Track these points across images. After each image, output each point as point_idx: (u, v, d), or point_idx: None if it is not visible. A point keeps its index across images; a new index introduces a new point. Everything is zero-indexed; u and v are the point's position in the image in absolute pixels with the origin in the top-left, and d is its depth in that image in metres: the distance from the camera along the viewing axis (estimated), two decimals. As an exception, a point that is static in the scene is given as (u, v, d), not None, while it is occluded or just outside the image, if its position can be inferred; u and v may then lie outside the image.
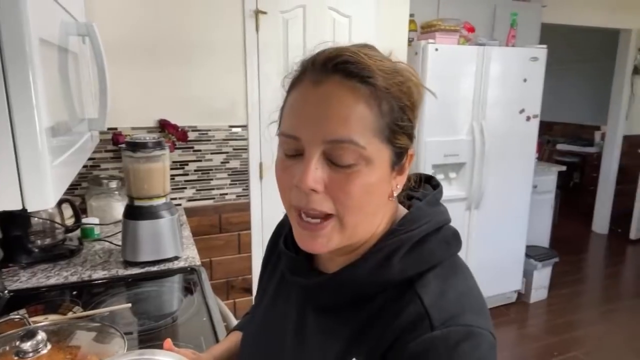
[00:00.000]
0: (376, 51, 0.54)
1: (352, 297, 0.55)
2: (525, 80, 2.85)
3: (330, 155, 0.50)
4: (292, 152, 0.52)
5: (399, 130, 0.52)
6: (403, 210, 0.59)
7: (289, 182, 0.52)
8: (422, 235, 0.54)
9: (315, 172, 0.49)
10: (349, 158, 0.49)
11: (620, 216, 4.76)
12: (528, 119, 2.93)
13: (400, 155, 0.54)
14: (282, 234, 0.68)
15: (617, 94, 4.57)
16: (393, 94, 0.51)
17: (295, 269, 0.61)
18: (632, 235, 4.53)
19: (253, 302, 0.83)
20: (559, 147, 5.78)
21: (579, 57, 5.85)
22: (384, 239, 0.55)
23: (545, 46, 2.88)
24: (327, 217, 0.51)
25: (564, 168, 3.80)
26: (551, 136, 6.10)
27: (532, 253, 3.25)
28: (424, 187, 0.62)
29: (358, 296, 0.55)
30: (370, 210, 0.53)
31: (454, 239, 0.57)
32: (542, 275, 3.27)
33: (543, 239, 3.64)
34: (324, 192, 0.50)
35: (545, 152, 5.47)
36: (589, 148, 5.48)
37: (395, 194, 0.55)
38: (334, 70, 0.50)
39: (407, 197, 0.61)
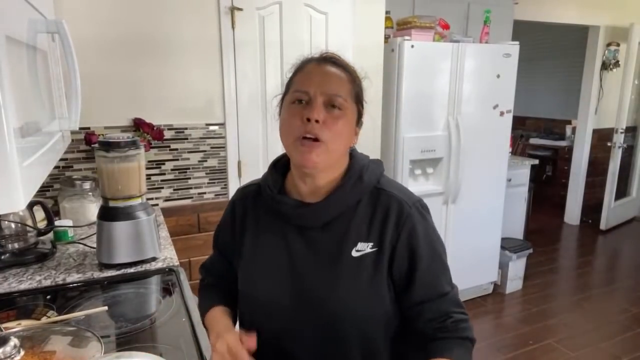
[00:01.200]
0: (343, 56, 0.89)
1: (344, 209, 0.85)
2: (498, 76, 2.91)
3: (327, 102, 0.80)
4: (302, 102, 0.81)
5: (360, 101, 0.87)
6: None
7: (297, 121, 0.80)
8: (367, 162, 0.90)
9: (320, 112, 0.79)
10: (336, 106, 0.81)
11: (591, 207, 4.92)
12: (502, 114, 2.99)
13: (359, 116, 0.87)
14: (247, 199, 0.96)
15: (586, 89, 4.72)
16: (357, 81, 0.87)
17: (295, 205, 0.87)
18: (602, 225, 4.69)
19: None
20: (532, 141, 5.93)
21: (550, 53, 6.01)
22: (351, 169, 0.88)
23: (517, 43, 2.95)
24: (318, 140, 0.79)
25: (536, 162, 3.90)
26: (524, 131, 6.25)
27: (507, 245, 3.33)
28: None
29: (348, 207, 0.86)
30: (344, 143, 0.84)
31: (380, 162, 0.94)
32: (517, 267, 3.36)
33: (517, 231, 3.74)
34: (322, 125, 0.79)
35: (519, 147, 5.60)
36: (561, 142, 5.63)
37: (356, 140, 0.89)
38: (326, 60, 0.85)
39: None
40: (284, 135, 0.84)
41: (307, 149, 0.79)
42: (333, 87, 0.81)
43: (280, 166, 0.92)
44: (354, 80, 0.85)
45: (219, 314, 0.93)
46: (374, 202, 0.86)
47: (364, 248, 0.83)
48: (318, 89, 0.80)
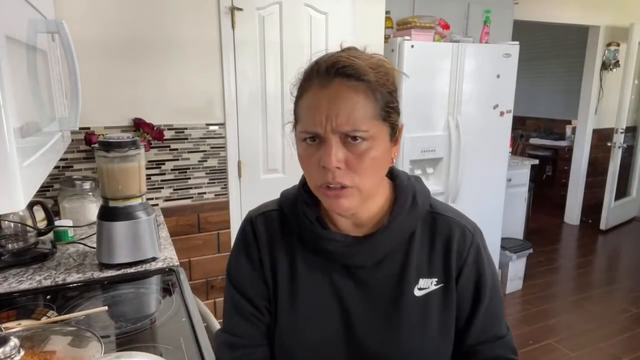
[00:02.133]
0: (359, 51, 0.68)
1: (398, 242, 0.73)
2: (498, 76, 2.91)
3: (345, 138, 0.63)
4: (314, 141, 0.65)
5: (391, 110, 0.67)
6: None
7: (313, 167, 0.65)
8: (413, 182, 0.77)
9: (337, 154, 0.63)
10: (357, 141, 0.63)
11: (591, 207, 4.92)
12: (502, 114, 2.99)
13: (394, 129, 0.69)
14: (270, 231, 0.78)
15: (586, 89, 4.71)
16: (382, 84, 0.65)
17: (342, 242, 0.72)
18: (602, 225, 4.69)
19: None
20: (532, 141, 5.92)
21: (550, 53, 6.01)
22: (401, 192, 0.74)
23: (517, 43, 2.95)
24: (345, 187, 0.65)
25: (536, 162, 3.90)
26: (524, 131, 6.25)
27: (507, 245, 3.33)
28: None
29: (404, 238, 0.73)
30: (378, 175, 0.69)
31: (421, 179, 0.81)
32: (517, 266, 3.36)
33: (517, 231, 3.73)
34: (345, 168, 0.64)
35: (519, 147, 5.60)
36: (561, 142, 5.63)
37: (394, 159, 0.71)
38: (336, 74, 0.63)
39: None
40: (306, 177, 0.71)
41: (334, 196, 0.66)
42: (347, 118, 0.62)
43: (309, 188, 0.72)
44: (376, 90, 0.64)
45: None
46: (431, 229, 0.74)
47: (427, 285, 0.72)
48: (329, 125, 0.62)
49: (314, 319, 0.73)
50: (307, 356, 0.73)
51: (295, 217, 0.76)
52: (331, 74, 0.64)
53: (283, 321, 0.75)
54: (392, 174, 0.77)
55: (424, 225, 0.74)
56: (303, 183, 0.76)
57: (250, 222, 0.80)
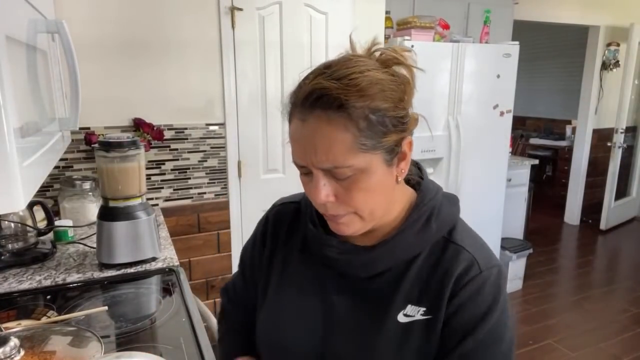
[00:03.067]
0: (352, 65, 0.59)
1: (398, 261, 0.67)
2: (498, 76, 2.91)
3: (329, 173, 0.60)
4: (305, 172, 0.62)
5: (384, 133, 0.59)
6: (410, 187, 0.71)
7: (309, 193, 0.63)
8: (440, 200, 0.69)
9: (324, 188, 0.60)
10: (343, 175, 0.59)
11: (591, 207, 4.92)
12: (502, 114, 2.99)
13: (392, 150, 0.61)
14: (286, 220, 0.78)
15: (586, 89, 4.71)
16: (370, 107, 0.57)
17: (342, 250, 0.69)
18: (602, 225, 4.69)
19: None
20: (532, 141, 5.93)
21: (550, 53, 6.01)
22: (416, 209, 0.67)
23: (517, 43, 2.95)
24: (343, 214, 0.62)
25: (536, 162, 3.90)
26: (524, 131, 6.25)
27: (507, 245, 3.33)
28: (411, 169, 0.73)
29: (404, 259, 0.67)
30: (380, 200, 0.63)
31: (456, 200, 0.73)
32: (517, 266, 3.36)
33: (517, 231, 3.73)
34: (335, 201, 0.61)
35: (519, 147, 5.60)
36: (561, 142, 5.63)
37: (400, 178, 0.65)
38: (313, 105, 0.57)
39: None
40: None
41: (335, 222, 0.64)
42: (325, 156, 0.57)
43: None
44: (360, 118, 0.56)
45: None
46: (438, 256, 0.66)
47: (414, 313, 0.65)
48: (311, 162, 0.59)
49: (297, 318, 0.72)
50: (285, 353, 0.73)
51: (305, 215, 0.75)
52: (307, 106, 0.58)
53: (268, 314, 0.75)
54: (419, 184, 0.70)
55: (433, 251, 0.66)
56: None
57: (270, 210, 0.83)
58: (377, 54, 0.64)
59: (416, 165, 0.75)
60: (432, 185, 0.71)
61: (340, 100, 0.56)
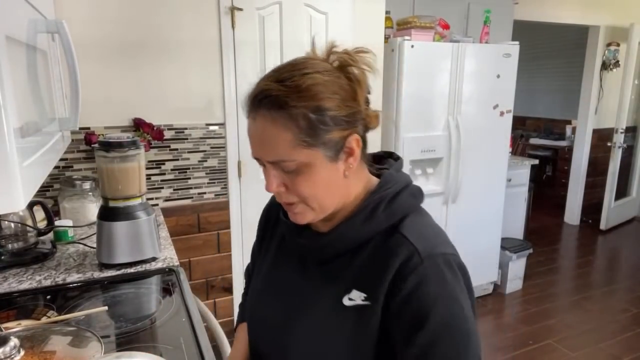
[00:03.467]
0: (296, 68, 0.65)
1: (347, 248, 0.70)
2: (498, 76, 2.91)
3: (277, 166, 0.66)
4: (261, 163, 0.68)
5: (325, 131, 0.63)
6: (375, 179, 0.74)
7: (266, 187, 0.69)
8: (396, 192, 0.71)
9: (275, 179, 0.67)
10: (288, 167, 0.65)
11: (591, 207, 4.92)
12: (502, 114, 2.99)
13: (337, 147, 0.65)
14: (274, 212, 0.85)
15: (586, 89, 4.71)
16: (309, 107, 0.62)
17: (298, 234, 0.76)
18: (602, 225, 4.69)
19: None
20: (532, 141, 5.92)
21: (550, 53, 6.01)
22: (366, 198, 0.70)
23: (517, 43, 2.95)
24: (294, 203, 0.68)
25: (536, 162, 3.90)
26: (524, 131, 6.25)
27: (507, 245, 3.33)
28: (387, 162, 0.78)
29: (352, 246, 0.70)
30: (327, 193, 0.68)
31: (419, 193, 0.74)
32: (517, 267, 3.36)
33: (517, 231, 3.73)
34: (286, 189, 0.67)
35: (519, 147, 5.60)
36: (561, 142, 5.63)
37: (347, 173, 0.68)
38: (259, 105, 0.64)
39: (377, 169, 0.77)
40: None
41: (290, 211, 0.70)
42: (270, 151, 0.64)
43: None
44: (299, 117, 0.62)
45: (240, 335, 0.90)
46: (383, 245, 0.68)
47: (356, 298, 0.68)
48: (260, 156, 0.66)
49: (267, 296, 0.82)
50: (253, 323, 0.83)
51: None
52: (255, 105, 0.65)
53: (250, 292, 0.87)
54: (383, 175, 0.73)
55: (381, 240, 0.68)
56: None
57: (270, 200, 0.91)
58: (334, 56, 0.69)
59: (392, 157, 0.80)
60: (394, 177, 0.73)
61: (281, 101, 0.62)
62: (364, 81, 0.68)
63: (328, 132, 0.64)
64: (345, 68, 0.67)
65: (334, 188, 0.68)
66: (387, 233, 0.69)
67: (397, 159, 0.79)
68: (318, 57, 0.70)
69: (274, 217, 0.86)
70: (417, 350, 0.62)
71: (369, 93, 0.70)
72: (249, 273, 0.98)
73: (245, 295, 0.99)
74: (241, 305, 1.00)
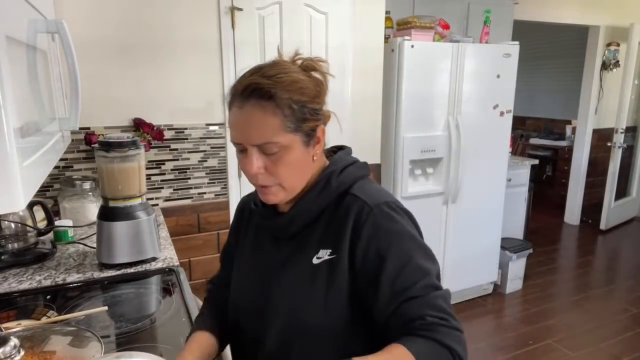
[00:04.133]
0: (281, 66, 0.77)
1: (309, 219, 0.82)
2: (498, 76, 2.91)
3: (260, 149, 0.75)
4: (240, 149, 0.78)
5: (303, 120, 0.76)
6: (327, 161, 0.87)
7: (244, 169, 0.78)
8: (344, 166, 0.84)
9: (257, 162, 0.76)
10: (271, 150, 0.75)
11: (591, 207, 4.92)
12: (502, 114, 2.99)
13: (310, 134, 0.78)
14: (246, 209, 0.96)
15: (586, 89, 4.71)
16: (293, 99, 0.74)
17: (267, 217, 0.88)
18: (602, 225, 4.69)
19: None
20: (532, 141, 5.92)
21: (550, 53, 6.01)
22: (321, 174, 0.83)
23: (517, 43, 2.94)
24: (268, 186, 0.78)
25: (536, 162, 3.90)
26: (524, 131, 6.25)
27: (507, 245, 3.33)
28: (339, 152, 0.91)
29: (313, 216, 0.82)
30: (299, 174, 0.80)
31: (365, 166, 0.88)
32: (517, 266, 3.36)
33: (517, 231, 3.73)
34: (265, 172, 0.77)
35: (519, 147, 5.60)
36: (561, 142, 5.63)
37: (315, 158, 0.81)
38: (249, 96, 0.74)
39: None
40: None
41: (263, 192, 0.80)
42: (258, 135, 0.74)
43: None
44: (285, 106, 0.74)
45: (196, 338, 0.89)
46: (338, 206, 0.81)
47: (323, 255, 0.79)
48: (246, 140, 0.75)
49: (246, 279, 0.90)
50: (235, 308, 0.91)
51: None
52: (245, 95, 0.74)
53: (232, 281, 0.94)
54: (331, 158, 0.86)
55: (335, 204, 0.81)
56: None
57: (239, 203, 1.02)
58: (299, 61, 0.81)
59: (342, 149, 0.92)
60: (342, 157, 0.87)
61: (270, 92, 0.73)
62: (326, 84, 0.82)
63: (305, 121, 0.76)
64: (309, 71, 0.80)
65: (304, 170, 0.81)
66: (339, 197, 0.82)
67: (341, 147, 0.92)
68: (287, 61, 0.81)
69: (247, 212, 0.96)
70: (389, 276, 0.74)
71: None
72: (224, 258, 1.03)
73: (201, 312, 1.00)
74: (200, 315, 0.99)
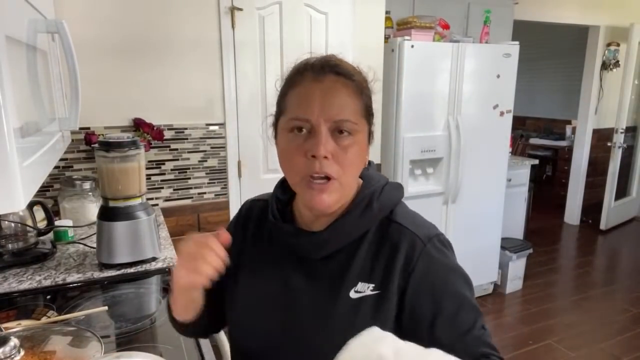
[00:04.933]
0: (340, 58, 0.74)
1: (346, 242, 0.73)
2: (498, 76, 2.91)
3: (334, 129, 0.67)
4: (302, 126, 0.68)
5: (371, 111, 0.73)
6: (359, 179, 0.78)
7: (300, 157, 0.68)
8: (381, 186, 0.76)
9: (327, 144, 0.66)
10: (347, 128, 0.67)
11: (591, 207, 4.92)
12: (502, 114, 2.99)
13: (370, 132, 0.74)
14: (253, 218, 0.85)
15: (586, 89, 4.71)
16: (365, 87, 0.72)
17: (294, 234, 0.76)
18: (602, 225, 4.69)
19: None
20: (532, 141, 5.92)
21: (550, 53, 6.01)
22: (360, 193, 0.75)
23: (517, 43, 2.94)
24: (330, 179, 0.68)
25: (536, 162, 3.90)
26: (524, 131, 6.25)
27: (507, 245, 3.33)
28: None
29: (351, 240, 0.73)
30: (356, 173, 0.73)
31: (400, 187, 0.80)
32: (517, 266, 3.36)
33: (517, 231, 3.73)
34: (331, 158, 0.67)
35: (519, 147, 5.60)
36: (561, 142, 5.63)
37: (366, 161, 0.76)
38: (329, 70, 0.68)
39: None
40: (286, 171, 0.73)
41: (318, 190, 0.68)
42: (340, 110, 0.67)
43: (288, 186, 0.77)
44: (362, 91, 0.70)
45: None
46: (382, 235, 0.73)
47: (364, 289, 0.71)
48: (321, 114, 0.66)
49: (263, 301, 0.78)
50: (251, 332, 0.78)
51: (269, 210, 0.81)
52: (325, 70, 0.68)
53: (239, 298, 0.80)
54: (363, 175, 0.77)
55: (378, 231, 0.74)
56: (282, 181, 0.81)
57: (242, 207, 0.90)
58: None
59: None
60: (375, 175, 0.79)
61: (351, 72, 0.70)
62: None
63: (371, 115, 0.74)
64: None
65: (359, 168, 0.73)
66: (381, 224, 0.74)
67: (369, 162, 0.84)
68: None
69: (254, 220, 0.85)
70: (447, 316, 0.68)
71: None
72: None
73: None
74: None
